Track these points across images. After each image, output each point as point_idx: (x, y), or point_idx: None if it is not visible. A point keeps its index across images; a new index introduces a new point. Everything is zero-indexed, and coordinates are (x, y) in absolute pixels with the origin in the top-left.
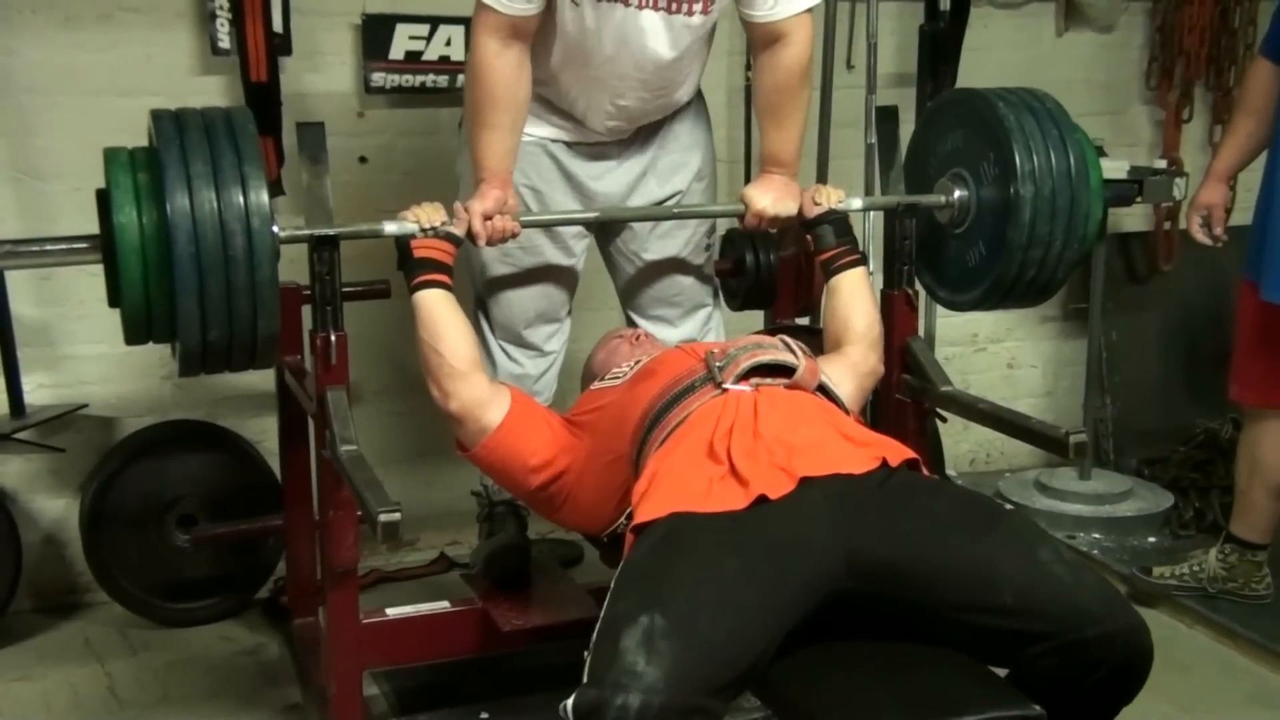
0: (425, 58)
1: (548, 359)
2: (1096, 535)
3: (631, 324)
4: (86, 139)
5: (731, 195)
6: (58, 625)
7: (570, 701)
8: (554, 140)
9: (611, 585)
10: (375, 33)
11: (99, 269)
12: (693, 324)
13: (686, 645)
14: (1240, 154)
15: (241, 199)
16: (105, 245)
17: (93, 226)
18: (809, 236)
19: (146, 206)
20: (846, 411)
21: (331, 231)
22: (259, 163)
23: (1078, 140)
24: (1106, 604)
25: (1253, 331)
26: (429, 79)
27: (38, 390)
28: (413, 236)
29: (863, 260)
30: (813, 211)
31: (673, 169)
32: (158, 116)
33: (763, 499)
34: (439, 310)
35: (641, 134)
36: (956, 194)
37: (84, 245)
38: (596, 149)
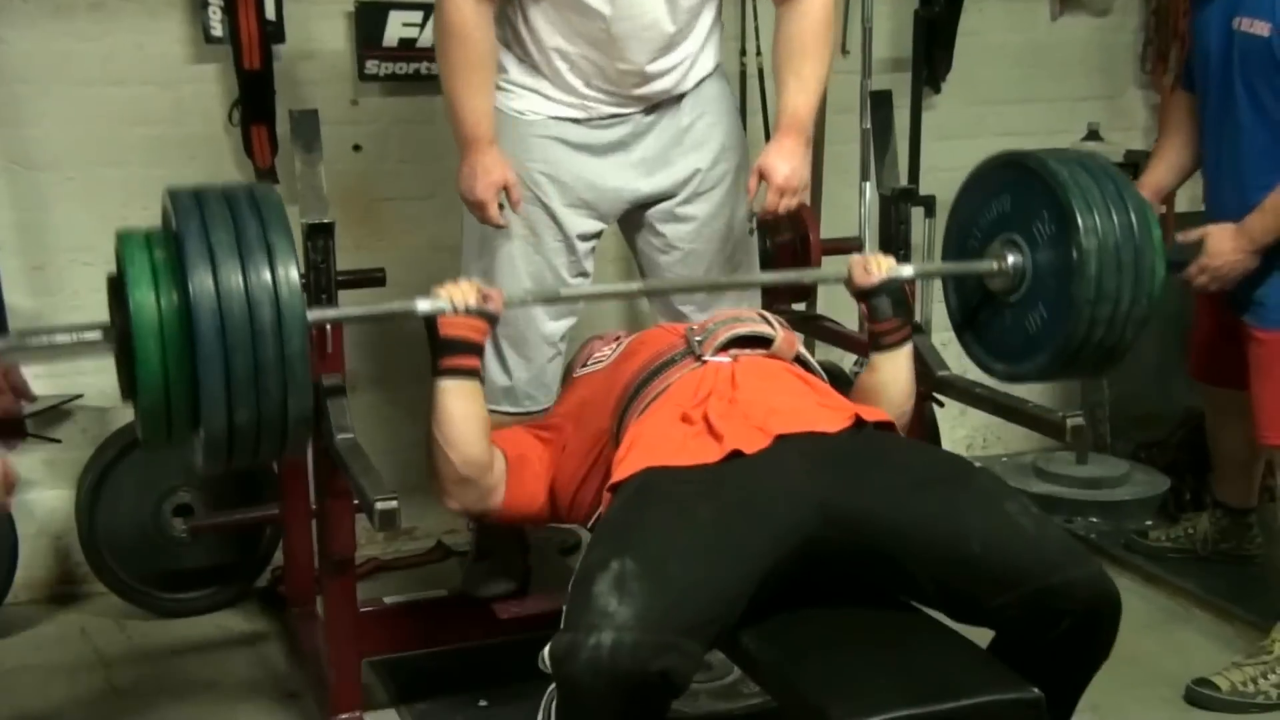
0: (419, 45)
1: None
2: (1094, 519)
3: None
4: (79, 128)
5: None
6: (55, 616)
7: (547, 648)
8: (561, 118)
9: (587, 542)
10: (369, 20)
11: (94, 259)
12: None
13: (658, 585)
14: (1166, 174)
15: (269, 270)
16: (121, 333)
17: (88, 224)
18: (862, 305)
19: (164, 284)
20: (824, 380)
21: (360, 313)
22: (285, 230)
23: (1135, 195)
24: (1069, 553)
25: (1206, 318)
26: (423, 66)
27: (32, 381)
28: (442, 313)
29: (912, 335)
30: (867, 281)
31: (694, 144)
32: (175, 194)
33: (737, 453)
34: (458, 410)
35: (658, 110)
36: (1010, 260)
37: (96, 335)
38: (607, 123)
